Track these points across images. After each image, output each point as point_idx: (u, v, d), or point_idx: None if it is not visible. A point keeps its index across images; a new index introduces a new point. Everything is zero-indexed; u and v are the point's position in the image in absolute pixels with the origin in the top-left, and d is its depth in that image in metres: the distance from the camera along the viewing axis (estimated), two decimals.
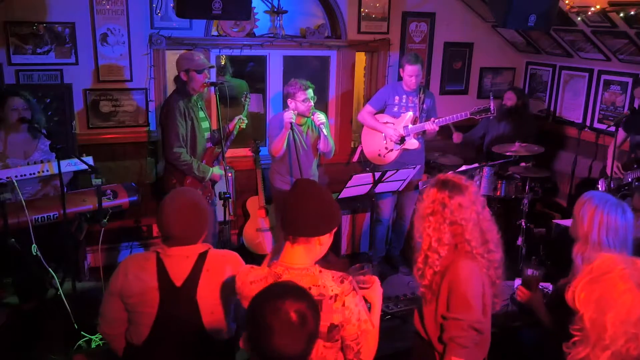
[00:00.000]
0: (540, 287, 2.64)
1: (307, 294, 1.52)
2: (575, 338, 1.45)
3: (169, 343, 2.12)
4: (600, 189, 4.34)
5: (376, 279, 2.04)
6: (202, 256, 2.14)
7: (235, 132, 4.11)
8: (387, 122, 4.50)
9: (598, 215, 2.26)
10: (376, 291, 2.02)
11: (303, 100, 4.01)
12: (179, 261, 2.11)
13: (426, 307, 2.29)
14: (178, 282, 2.09)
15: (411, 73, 4.30)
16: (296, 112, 4.05)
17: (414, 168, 4.08)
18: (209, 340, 2.14)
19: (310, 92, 4.02)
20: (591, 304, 1.41)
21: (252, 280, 1.87)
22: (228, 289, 2.11)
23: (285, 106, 5.01)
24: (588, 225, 2.28)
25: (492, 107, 4.14)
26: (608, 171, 4.30)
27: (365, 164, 4.69)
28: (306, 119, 4.16)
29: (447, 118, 4.33)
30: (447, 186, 2.18)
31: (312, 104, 4.07)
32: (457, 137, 5.14)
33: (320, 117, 4.07)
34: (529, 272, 2.49)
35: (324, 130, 4.07)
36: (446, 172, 4.50)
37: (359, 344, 1.84)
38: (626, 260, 1.46)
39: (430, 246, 2.19)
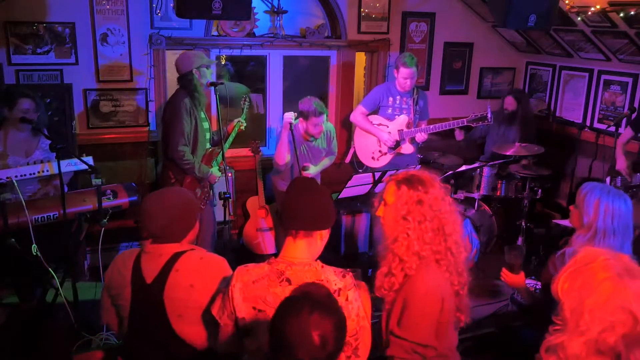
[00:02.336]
0: (529, 284, 2.68)
1: (334, 307, 1.47)
2: (556, 327, 1.45)
3: (142, 339, 2.12)
4: None
5: (364, 284, 2.03)
6: (176, 256, 2.09)
7: (233, 134, 4.12)
8: (380, 125, 4.46)
9: (603, 203, 2.35)
10: (363, 295, 2.00)
11: (315, 125, 4.08)
12: (153, 259, 2.10)
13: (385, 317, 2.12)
14: (148, 279, 2.07)
15: (406, 76, 4.21)
16: (304, 131, 4.13)
17: (415, 168, 4.08)
18: (181, 343, 2.08)
19: (324, 117, 4.10)
20: (573, 292, 1.42)
21: (255, 280, 1.85)
22: (207, 295, 2.04)
23: (285, 106, 5.04)
24: (594, 213, 2.36)
25: (489, 116, 4.12)
26: (617, 166, 4.28)
27: (358, 165, 4.66)
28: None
29: (443, 124, 4.29)
30: (413, 182, 2.02)
31: (324, 128, 4.14)
32: (459, 135, 5.14)
33: (310, 173, 4.22)
34: (510, 255, 2.54)
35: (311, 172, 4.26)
36: (445, 172, 4.53)
37: (357, 339, 1.84)
38: (610, 252, 1.48)
39: (408, 248, 1.97)
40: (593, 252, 1.48)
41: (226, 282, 1.95)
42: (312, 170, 4.29)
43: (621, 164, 4.28)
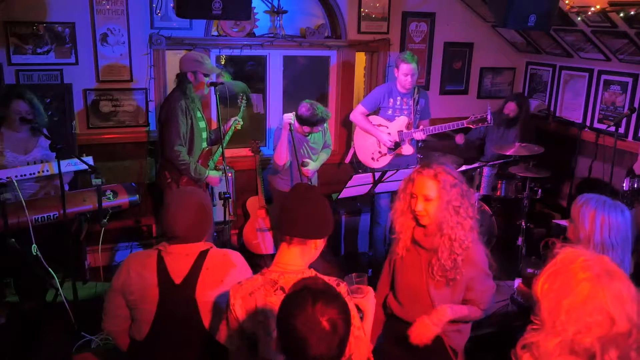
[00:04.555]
0: None
1: (335, 294, 1.49)
2: (534, 326, 1.44)
3: (169, 340, 2.13)
4: (624, 188, 4.29)
5: (371, 289, 2.04)
6: (203, 254, 2.15)
7: (230, 133, 4.11)
8: (380, 125, 4.46)
9: (599, 216, 2.28)
10: (370, 301, 2.01)
11: (318, 131, 4.21)
12: (179, 259, 2.12)
13: (441, 293, 2.34)
14: (177, 280, 2.10)
15: (406, 72, 4.20)
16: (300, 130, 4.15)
17: (414, 168, 4.07)
18: (210, 339, 2.11)
19: (326, 125, 4.26)
20: (551, 293, 1.41)
21: (251, 292, 1.84)
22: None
23: (285, 105, 5.04)
24: (590, 227, 2.30)
25: (488, 118, 4.11)
26: (636, 168, 4.23)
27: (358, 166, 4.66)
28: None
29: (442, 126, 4.28)
30: (442, 172, 2.28)
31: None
32: (459, 139, 5.15)
33: (309, 169, 4.21)
34: (529, 270, 2.54)
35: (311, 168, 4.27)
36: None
37: (350, 350, 1.82)
38: (591, 254, 1.46)
39: (464, 227, 2.26)
40: (573, 253, 1.46)
41: (224, 306, 1.94)
42: (312, 165, 4.25)
43: (638, 166, 4.23)
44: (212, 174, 3.96)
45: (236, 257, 2.24)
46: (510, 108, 5.09)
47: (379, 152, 4.48)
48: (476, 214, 2.34)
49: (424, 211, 2.26)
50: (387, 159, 4.46)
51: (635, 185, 4.11)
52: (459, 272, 2.28)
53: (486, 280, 2.37)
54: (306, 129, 4.12)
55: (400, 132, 4.37)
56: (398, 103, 4.39)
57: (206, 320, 2.12)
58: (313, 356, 1.40)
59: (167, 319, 2.11)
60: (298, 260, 1.87)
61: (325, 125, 4.34)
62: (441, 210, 2.24)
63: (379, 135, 4.42)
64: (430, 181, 2.25)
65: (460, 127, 4.25)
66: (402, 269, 2.43)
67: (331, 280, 1.85)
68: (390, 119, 4.42)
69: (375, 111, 4.54)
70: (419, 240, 2.36)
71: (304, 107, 4.04)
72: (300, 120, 4.06)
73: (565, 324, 1.35)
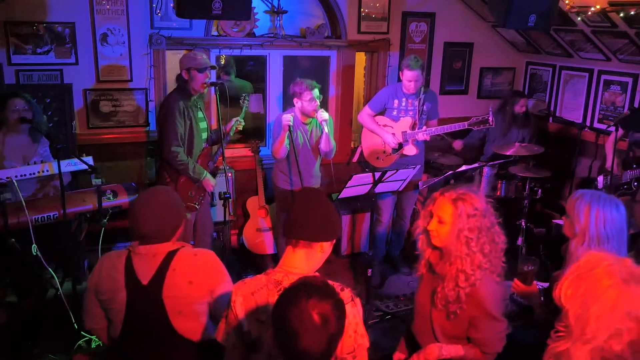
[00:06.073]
0: (540, 287, 2.65)
1: (331, 292, 1.50)
2: (559, 333, 1.44)
3: (139, 340, 2.12)
4: (599, 186, 4.33)
5: (358, 300, 1.99)
6: (170, 255, 2.11)
7: (231, 134, 4.10)
8: (386, 125, 4.48)
9: (594, 209, 2.28)
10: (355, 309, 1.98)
11: (309, 100, 3.99)
12: (147, 259, 2.10)
13: (442, 324, 2.29)
14: (144, 281, 2.07)
15: (410, 78, 4.23)
16: (301, 112, 4.05)
17: (414, 168, 4.08)
18: (180, 339, 2.11)
19: (316, 92, 4.02)
20: (577, 299, 1.40)
21: (254, 291, 1.84)
22: (205, 290, 2.10)
23: (285, 105, 5.04)
24: (585, 220, 2.30)
25: (490, 119, 4.11)
26: (608, 166, 4.28)
27: (365, 165, 4.68)
28: (311, 118, 4.14)
29: (444, 127, 4.28)
30: (467, 200, 2.18)
31: (318, 103, 4.06)
32: (457, 144, 5.16)
33: (324, 114, 4.03)
34: (525, 266, 2.51)
35: (326, 128, 4.05)
36: (445, 172, 4.53)
37: (355, 357, 1.80)
38: (614, 257, 1.46)
39: (473, 262, 2.16)
40: (596, 258, 1.45)
41: (226, 304, 1.92)
42: (326, 115, 4.05)
43: (610, 162, 4.27)
44: (209, 178, 3.93)
45: (207, 257, 2.19)
46: (522, 104, 5.07)
47: (384, 152, 4.50)
48: (497, 255, 2.23)
49: (435, 232, 2.24)
50: (392, 159, 4.47)
51: (609, 182, 4.14)
52: (461, 307, 2.20)
53: (491, 323, 2.23)
54: (305, 105, 3.99)
55: (404, 133, 4.38)
56: (403, 104, 4.41)
57: (175, 321, 2.09)
58: (302, 349, 1.41)
59: (136, 320, 2.09)
60: (303, 264, 1.86)
61: (329, 119, 4.28)
62: (451, 237, 2.19)
63: (383, 136, 4.44)
64: (448, 205, 2.20)
65: (462, 128, 4.26)
66: (420, 287, 2.44)
67: (335, 285, 1.83)
68: (395, 119, 4.44)
69: (382, 111, 4.56)
70: (433, 263, 2.34)
71: (293, 83, 4.04)
72: (294, 94, 4.02)
73: (595, 331, 1.35)
